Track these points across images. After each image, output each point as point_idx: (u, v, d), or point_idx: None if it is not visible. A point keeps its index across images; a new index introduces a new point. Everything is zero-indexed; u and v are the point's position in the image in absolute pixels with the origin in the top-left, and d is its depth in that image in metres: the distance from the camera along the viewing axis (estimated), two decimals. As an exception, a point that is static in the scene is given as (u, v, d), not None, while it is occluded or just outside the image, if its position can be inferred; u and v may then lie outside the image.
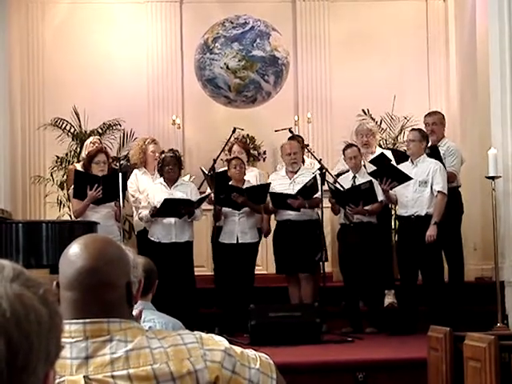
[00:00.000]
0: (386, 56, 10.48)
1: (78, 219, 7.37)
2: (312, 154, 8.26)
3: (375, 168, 7.55)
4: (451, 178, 7.55)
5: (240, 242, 7.62)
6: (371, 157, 7.93)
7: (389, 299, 7.94)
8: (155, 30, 10.55)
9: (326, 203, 7.81)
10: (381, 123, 9.97)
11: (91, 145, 8.03)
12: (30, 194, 10.11)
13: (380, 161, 7.56)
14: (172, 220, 7.49)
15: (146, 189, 7.77)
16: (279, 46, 9.35)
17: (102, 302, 1.80)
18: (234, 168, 7.74)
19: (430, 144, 7.66)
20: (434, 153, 7.53)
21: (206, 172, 7.94)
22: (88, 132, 9.77)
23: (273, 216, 7.87)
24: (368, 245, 7.44)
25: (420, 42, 10.67)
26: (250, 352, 1.90)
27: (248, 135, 10.17)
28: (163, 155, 7.69)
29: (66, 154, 9.70)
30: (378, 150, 8.28)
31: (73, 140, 9.81)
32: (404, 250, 7.40)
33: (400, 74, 10.46)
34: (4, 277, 1.06)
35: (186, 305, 7.05)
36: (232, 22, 9.33)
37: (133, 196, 7.91)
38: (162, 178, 7.67)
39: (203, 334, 1.85)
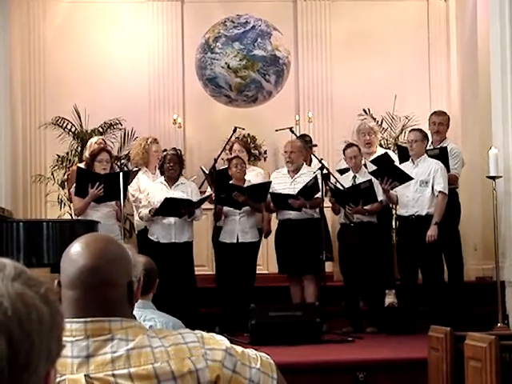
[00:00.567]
0: (387, 55, 10.48)
1: (79, 218, 7.37)
2: (313, 154, 8.25)
3: (376, 167, 7.55)
4: (452, 180, 7.54)
5: (240, 241, 7.62)
6: (373, 156, 7.93)
7: (389, 299, 7.94)
8: (156, 29, 10.55)
9: (327, 203, 7.81)
10: (382, 123, 9.97)
11: (95, 145, 8.03)
12: (30, 192, 10.11)
13: (382, 160, 7.55)
14: (172, 220, 7.49)
15: (147, 188, 7.77)
16: (280, 46, 9.35)
17: (103, 300, 1.80)
18: (234, 167, 7.74)
19: (430, 143, 7.66)
20: (443, 154, 7.52)
21: (207, 171, 7.94)
22: (89, 131, 9.77)
23: (274, 215, 7.87)
24: (368, 244, 7.44)
25: (421, 42, 10.67)
26: (251, 351, 1.90)
27: (249, 135, 10.17)
28: (165, 153, 7.70)
29: (67, 153, 9.70)
30: (379, 150, 8.29)
31: (74, 139, 9.81)
32: (404, 249, 7.40)
33: (401, 74, 10.46)
34: (5, 275, 1.06)
35: (186, 304, 7.04)
36: (233, 22, 9.33)
37: (133, 195, 7.91)
38: (162, 178, 7.67)
39: (204, 334, 1.85)
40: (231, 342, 1.87)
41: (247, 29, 9.24)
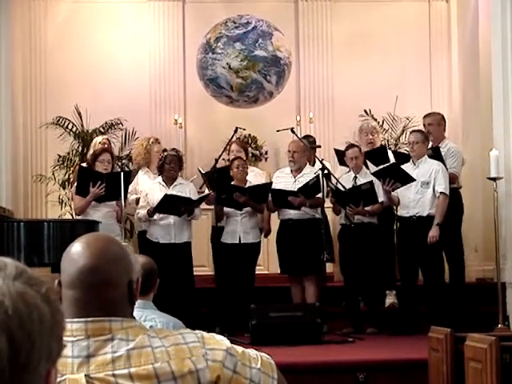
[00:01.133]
0: (388, 56, 10.48)
1: (80, 218, 7.37)
2: (314, 155, 8.25)
3: (378, 168, 7.56)
4: (452, 179, 7.54)
5: (242, 242, 7.62)
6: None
7: (390, 300, 7.93)
8: (157, 30, 10.56)
9: (328, 203, 7.81)
10: (383, 123, 9.96)
11: (99, 145, 8.03)
12: (31, 192, 10.11)
13: (378, 153, 7.55)
14: (171, 220, 7.49)
15: (145, 188, 7.76)
16: (281, 46, 9.35)
17: (103, 300, 1.80)
18: (236, 168, 7.75)
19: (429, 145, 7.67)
20: (436, 154, 7.53)
21: (204, 172, 7.95)
22: (90, 131, 9.78)
23: (276, 215, 7.87)
24: (368, 245, 7.44)
25: (422, 43, 10.67)
26: (252, 352, 1.90)
27: (250, 135, 10.17)
28: (165, 153, 7.69)
29: (68, 153, 9.71)
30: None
31: (75, 139, 9.81)
32: (405, 250, 7.40)
33: (402, 75, 10.46)
34: (7, 275, 1.06)
35: (185, 305, 7.04)
36: (234, 22, 9.34)
37: (130, 193, 7.90)
38: (160, 178, 7.67)
39: (205, 334, 1.85)
40: (232, 343, 1.87)
41: (248, 29, 9.24)
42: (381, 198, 7.45)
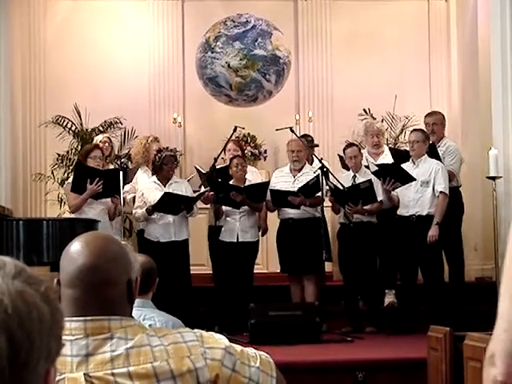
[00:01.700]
0: (387, 55, 10.47)
1: (79, 217, 7.35)
2: (313, 154, 8.25)
3: (378, 168, 7.56)
4: (450, 176, 7.54)
5: (240, 240, 7.62)
6: (381, 157, 7.97)
7: (389, 299, 7.94)
8: (157, 28, 10.55)
9: (327, 202, 7.81)
10: (382, 122, 9.96)
11: (101, 144, 8.03)
12: (30, 191, 10.10)
13: (388, 170, 7.52)
14: (170, 219, 7.49)
15: (141, 188, 7.76)
16: (281, 45, 9.34)
17: (102, 299, 1.80)
18: (235, 167, 7.75)
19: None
20: (432, 151, 7.53)
21: (203, 171, 7.95)
22: (89, 130, 9.77)
23: (276, 214, 7.87)
24: (368, 244, 7.44)
25: (421, 42, 10.66)
26: (250, 350, 1.90)
27: (249, 134, 10.17)
28: (163, 154, 7.67)
29: (67, 152, 9.69)
30: (387, 150, 8.30)
31: (74, 138, 9.80)
32: (404, 249, 7.40)
33: (401, 74, 10.46)
34: (6, 273, 1.06)
35: (184, 303, 7.05)
36: (234, 21, 9.33)
37: (127, 192, 7.90)
38: (154, 177, 7.66)
39: (203, 332, 1.85)
40: (231, 342, 1.87)
41: (248, 28, 9.23)
42: (380, 196, 7.45)
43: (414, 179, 7.23)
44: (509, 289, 1.60)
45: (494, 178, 7.17)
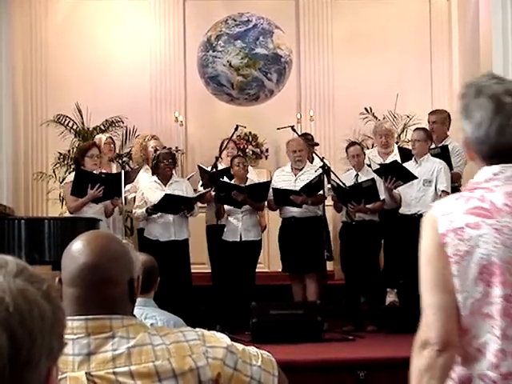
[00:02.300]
0: (388, 54, 10.46)
1: (81, 216, 7.34)
2: (314, 152, 8.25)
3: (380, 166, 7.56)
4: (456, 178, 7.53)
5: (243, 239, 7.62)
6: (390, 156, 7.97)
7: (390, 298, 7.93)
8: (158, 27, 10.55)
9: (329, 201, 7.81)
10: (390, 123, 9.96)
11: (104, 144, 8.01)
12: (32, 190, 10.11)
13: (389, 168, 7.51)
14: (170, 218, 7.48)
15: (141, 188, 7.74)
16: (282, 44, 9.34)
17: (104, 298, 1.80)
18: (237, 166, 7.74)
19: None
20: (444, 152, 7.51)
21: (206, 169, 7.94)
22: (90, 129, 9.78)
23: (278, 213, 7.87)
24: (370, 243, 7.43)
25: (423, 41, 10.66)
26: (252, 349, 1.90)
27: (250, 133, 10.17)
28: (158, 152, 7.66)
29: (69, 151, 9.70)
30: (396, 150, 8.30)
31: (75, 137, 9.81)
32: (406, 248, 7.39)
33: (403, 73, 10.45)
34: (7, 272, 1.06)
35: (185, 302, 7.05)
36: (235, 20, 9.32)
37: (128, 191, 7.90)
38: (155, 177, 7.64)
39: (205, 331, 1.85)
40: (232, 340, 1.87)
41: (249, 27, 9.23)
42: (382, 195, 7.45)
43: (416, 177, 7.22)
44: (427, 283, 2.00)
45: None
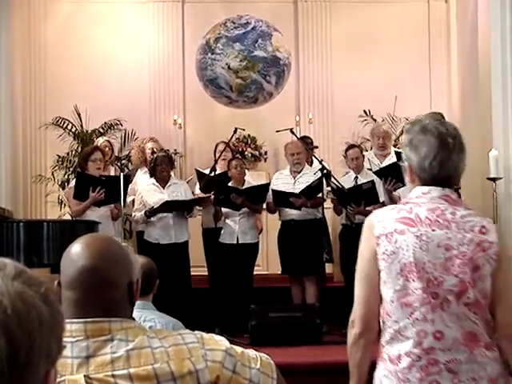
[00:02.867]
0: (387, 57, 10.48)
1: (79, 218, 7.35)
2: (313, 155, 8.25)
3: (379, 167, 7.56)
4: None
5: (240, 242, 7.62)
6: (387, 158, 7.97)
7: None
8: (157, 30, 10.56)
9: (328, 204, 7.81)
10: (388, 125, 9.96)
11: (95, 145, 8.01)
12: (31, 193, 10.11)
13: (389, 170, 7.51)
14: (170, 221, 7.48)
15: (140, 190, 7.74)
16: (281, 47, 9.35)
17: (103, 301, 1.80)
18: (234, 168, 7.74)
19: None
20: None
21: (204, 172, 7.94)
22: (89, 131, 9.78)
23: (277, 216, 7.87)
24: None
25: (422, 43, 10.67)
26: (251, 352, 1.90)
27: (249, 135, 10.17)
28: (155, 155, 7.66)
29: (68, 154, 9.70)
30: (394, 152, 8.30)
31: (74, 139, 9.81)
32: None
33: (401, 75, 10.46)
34: (6, 275, 1.06)
35: (184, 305, 7.05)
36: (234, 22, 9.33)
37: (128, 195, 7.90)
38: (153, 179, 7.65)
39: (204, 334, 1.85)
40: (231, 343, 1.87)
41: (248, 29, 9.24)
42: (382, 197, 7.45)
43: (416, 180, 7.21)
44: (358, 277, 2.67)
45: (494, 180, 7.17)
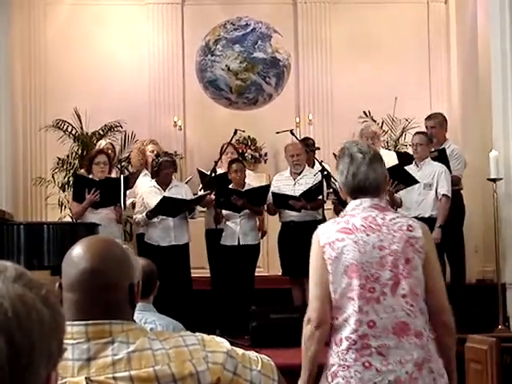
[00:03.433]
0: (387, 58, 10.48)
1: (80, 221, 7.36)
2: (314, 157, 8.25)
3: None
4: (455, 181, 7.53)
5: (241, 243, 7.62)
6: None
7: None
8: (157, 32, 10.56)
9: (328, 205, 7.81)
10: (382, 125, 9.97)
11: (99, 148, 8.02)
12: (31, 195, 10.11)
13: (392, 172, 7.50)
14: (171, 223, 7.48)
15: (141, 192, 7.74)
16: (280, 48, 9.36)
17: (104, 303, 1.80)
18: (234, 172, 7.74)
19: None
20: (441, 155, 7.51)
21: (205, 172, 7.95)
22: (89, 134, 9.78)
23: (277, 217, 7.87)
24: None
25: (421, 44, 10.67)
26: (252, 354, 1.90)
27: (249, 137, 10.17)
28: (159, 159, 7.65)
29: (68, 156, 9.70)
30: (382, 152, 8.30)
31: (74, 142, 9.81)
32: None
33: (401, 76, 10.46)
34: (6, 277, 1.06)
35: (184, 307, 7.04)
36: (233, 24, 9.34)
37: (127, 197, 7.90)
38: (154, 181, 7.65)
39: (205, 336, 1.85)
40: (232, 345, 1.87)
41: (247, 31, 9.25)
42: (382, 198, 7.44)
43: (418, 182, 7.21)
44: (312, 280, 3.04)
45: (494, 180, 7.16)
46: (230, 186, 7.71)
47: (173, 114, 10.35)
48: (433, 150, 7.63)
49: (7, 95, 8.64)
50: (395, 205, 7.63)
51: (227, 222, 7.69)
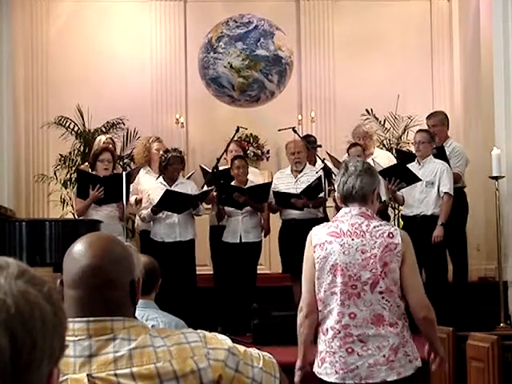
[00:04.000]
0: (389, 55, 10.47)
1: (82, 218, 7.37)
2: (316, 155, 8.25)
3: (384, 168, 7.56)
4: (456, 179, 7.53)
5: (243, 241, 7.61)
6: (369, 159, 7.94)
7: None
8: (159, 29, 10.56)
9: (330, 202, 7.81)
10: (384, 123, 9.97)
11: (103, 145, 8.01)
12: (33, 192, 10.11)
13: (394, 170, 7.50)
14: (176, 219, 7.48)
15: (147, 189, 7.75)
16: (283, 46, 9.34)
17: (105, 300, 1.80)
18: (236, 169, 7.73)
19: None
20: (440, 153, 7.51)
21: (208, 169, 7.94)
22: (92, 131, 9.78)
23: (278, 215, 7.87)
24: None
25: (424, 42, 10.66)
26: (254, 351, 1.90)
27: (251, 134, 10.17)
28: (168, 155, 7.65)
29: (70, 153, 9.70)
30: (377, 152, 8.30)
31: (76, 138, 9.81)
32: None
33: (404, 74, 10.46)
34: (9, 274, 1.06)
35: (187, 303, 7.05)
36: (236, 21, 9.32)
37: (131, 194, 7.89)
38: (161, 178, 7.65)
39: (207, 333, 1.85)
40: (233, 342, 1.87)
41: (250, 28, 9.23)
42: (383, 196, 7.44)
43: (420, 179, 7.21)
44: (304, 276, 3.79)
45: (496, 178, 7.16)
46: (233, 183, 7.71)
47: (175, 111, 10.35)
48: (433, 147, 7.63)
49: (10, 92, 8.65)
50: (398, 203, 7.64)
51: (229, 219, 7.68)
